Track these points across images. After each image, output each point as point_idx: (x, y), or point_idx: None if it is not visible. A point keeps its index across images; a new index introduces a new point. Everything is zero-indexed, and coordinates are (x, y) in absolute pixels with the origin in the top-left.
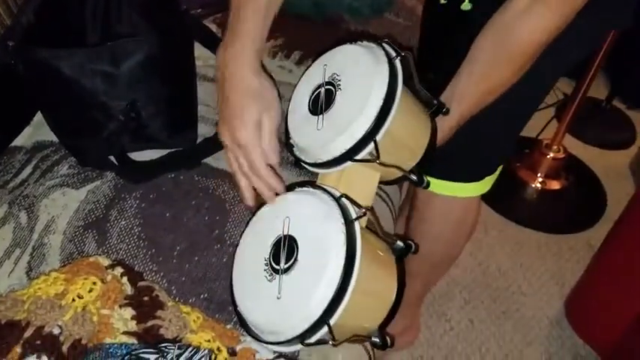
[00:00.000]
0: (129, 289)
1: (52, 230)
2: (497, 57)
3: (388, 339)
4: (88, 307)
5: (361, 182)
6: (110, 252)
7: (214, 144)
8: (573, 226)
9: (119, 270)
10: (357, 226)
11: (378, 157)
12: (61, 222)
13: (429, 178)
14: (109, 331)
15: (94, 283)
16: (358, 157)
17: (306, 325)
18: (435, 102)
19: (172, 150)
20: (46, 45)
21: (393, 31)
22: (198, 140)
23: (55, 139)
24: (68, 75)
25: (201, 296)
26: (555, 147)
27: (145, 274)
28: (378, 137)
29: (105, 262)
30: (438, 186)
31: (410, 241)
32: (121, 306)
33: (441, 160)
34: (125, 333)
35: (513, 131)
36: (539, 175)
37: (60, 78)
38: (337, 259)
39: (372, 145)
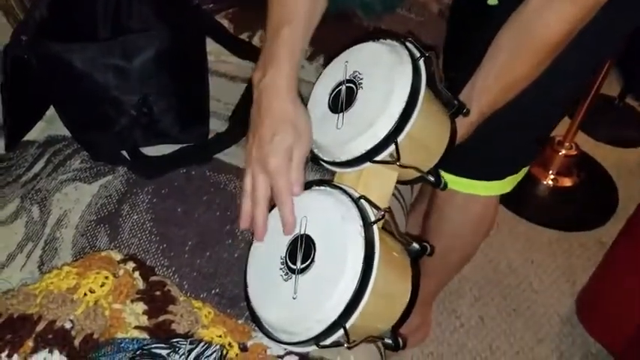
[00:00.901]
0: (141, 284)
1: (64, 224)
2: (518, 51)
3: (400, 340)
4: (100, 302)
5: (379, 182)
6: (122, 247)
7: (226, 139)
8: (585, 223)
9: (131, 265)
10: (375, 229)
11: (398, 158)
12: (74, 216)
13: (451, 176)
14: (121, 326)
15: (106, 278)
16: (378, 158)
17: (321, 328)
18: (456, 102)
19: (184, 145)
20: (59, 39)
21: (406, 27)
22: (210, 135)
23: (67, 133)
24: (80, 69)
25: (213, 291)
26: (567, 144)
27: (156, 269)
28: (400, 139)
29: (117, 256)
30: (459, 183)
31: (426, 243)
32: (132, 301)
33: (463, 158)
34: (137, 328)
35: (537, 131)
36: (550, 172)
37: (72, 72)
38: (355, 263)
39: (392, 147)
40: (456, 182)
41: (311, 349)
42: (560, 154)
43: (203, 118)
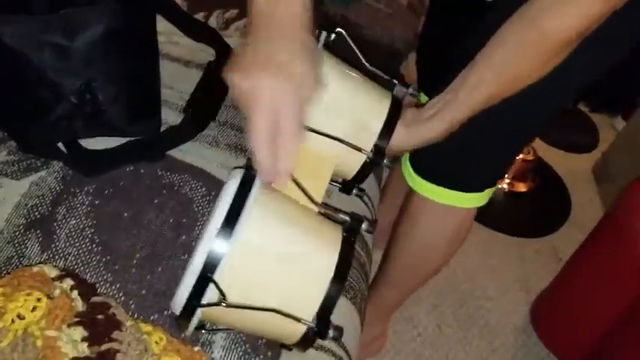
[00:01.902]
0: (80, 305)
1: None
2: (524, 46)
3: (332, 329)
4: (30, 329)
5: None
6: (57, 257)
7: (181, 134)
8: (538, 229)
9: (68, 282)
10: (258, 182)
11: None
12: None
13: (429, 184)
14: (56, 357)
15: (39, 300)
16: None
17: (192, 281)
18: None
19: (132, 139)
20: None
21: (374, 18)
22: (162, 129)
23: None
24: (10, 46)
25: (165, 312)
26: (526, 149)
27: (98, 286)
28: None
29: (52, 272)
30: (438, 193)
31: (360, 215)
32: (70, 325)
33: (443, 167)
34: (75, 359)
35: (525, 138)
36: (506, 176)
37: (1, 49)
38: (221, 210)
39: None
40: (434, 192)
41: (196, 319)
42: (517, 158)
43: (154, 108)
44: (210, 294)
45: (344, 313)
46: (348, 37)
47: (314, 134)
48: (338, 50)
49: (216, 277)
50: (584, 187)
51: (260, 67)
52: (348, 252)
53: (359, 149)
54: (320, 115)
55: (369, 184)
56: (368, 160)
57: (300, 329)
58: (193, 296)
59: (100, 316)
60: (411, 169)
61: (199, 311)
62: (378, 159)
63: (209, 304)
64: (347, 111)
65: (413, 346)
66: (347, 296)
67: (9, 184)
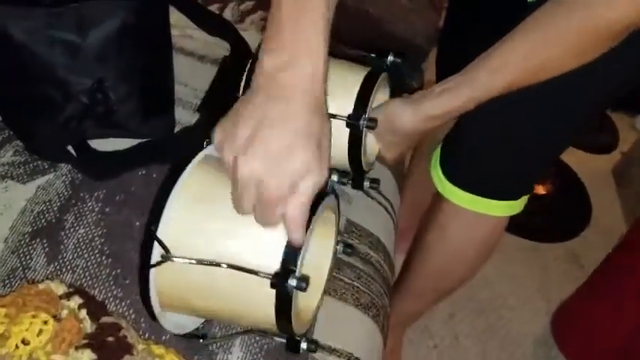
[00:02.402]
0: (88, 326)
1: None
2: (567, 31)
3: (299, 280)
4: (35, 355)
5: None
6: (64, 269)
7: (195, 135)
8: (558, 234)
9: (77, 300)
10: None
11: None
12: (2, 226)
13: (462, 192)
14: None
15: (45, 323)
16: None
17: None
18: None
19: (143, 140)
20: None
21: (393, 11)
22: (176, 129)
23: None
24: (19, 41)
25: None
26: None
27: (107, 302)
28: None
29: (59, 289)
30: (470, 201)
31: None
32: (77, 348)
33: (478, 173)
34: None
35: (567, 141)
36: None
37: (8, 44)
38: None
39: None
40: (466, 199)
41: (154, 291)
42: None
43: (168, 107)
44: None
45: (366, 331)
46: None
47: None
48: None
49: (159, 233)
50: (604, 189)
51: (254, 150)
52: (315, 203)
53: (333, 116)
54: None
55: (388, 186)
56: (348, 125)
57: (268, 292)
58: (142, 259)
59: (109, 339)
60: (441, 175)
61: (153, 278)
62: (357, 122)
63: (158, 263)
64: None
65: (429, 358)
66: (369, 314)
67: (14, 187)
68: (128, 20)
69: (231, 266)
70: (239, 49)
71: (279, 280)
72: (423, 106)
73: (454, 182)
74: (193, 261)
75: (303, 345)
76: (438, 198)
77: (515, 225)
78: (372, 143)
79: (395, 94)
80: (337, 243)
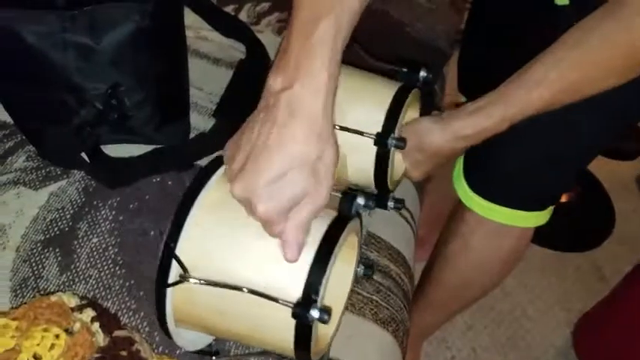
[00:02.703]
0: (101, 339)
1: (0, 245)
2: (614, 47)
3: (320, 311)
4: None
5: None
6: (77, 280)
7: (212, 141)
8: (579, 243)
9: (89, 313)
10: None
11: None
12: (14, 234)
13: (486, 202)
14: None
15: (57, 337)
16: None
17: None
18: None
19: (158, 146)
20: (5, 4)
21: (414, 13)
22: (191, 135)
23: (9, 119)
24: (32, 45)
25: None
26: None
27: (120, 314)
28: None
29: (71, 301)
30: (496, 212)
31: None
32: None
33: (504, 183)
34: None
35: (598, 149)
36: None
37: (21, 47)
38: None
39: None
40: (491, 210)
41: (168, 305)
42: None
43: (183, 112)
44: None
45: (385, 347)
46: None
47: None
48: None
49: (178, 250)
50: (628, 197)
51: (244, 176)
52: (339, 229)
53: (360, 133)
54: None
55: (408, 195)
56: (376, 144)
57: (287, 320)
58: (160, 277)
59: (122, 353)
60: (466, 186)
61: (169, 296)
62: (385, 140)
63: (175, 283)
64: (349, 109)
65: None
66: (388, 329)
67: (27, 194)
68: (142, 23)
69: (251, 291)
70: (255, 52)
71: (300, 311)
72: (453, 126)
73: (479, 193)
74: (212, 283)
75: None
76: (460, 208)
77: (535, 233)
78: (398, 161)
79: (425, 110)
80: (357, 265)
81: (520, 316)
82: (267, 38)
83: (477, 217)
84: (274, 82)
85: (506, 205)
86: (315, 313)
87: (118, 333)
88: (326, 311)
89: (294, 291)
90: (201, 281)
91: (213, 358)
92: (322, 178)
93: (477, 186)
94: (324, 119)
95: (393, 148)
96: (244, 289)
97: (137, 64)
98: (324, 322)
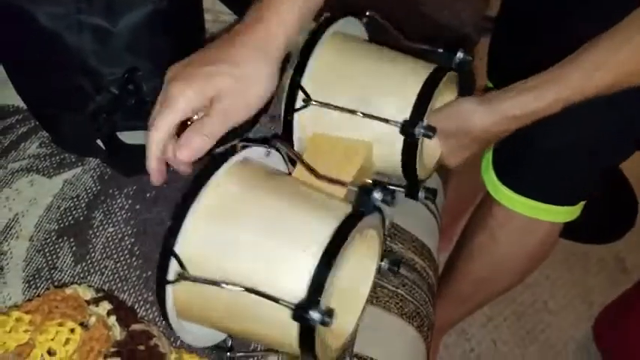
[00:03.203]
0: (118, 333)
1: (13, 234)
2: None
3: (324, 314)
4: None
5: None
6: (92, 271)
7: (230, 130)
8: (602, 235)
9: (105, 306)
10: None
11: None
12: (28, 223)
13: (515, 195)
14: None
15: (72, 331)
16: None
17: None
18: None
19: None
20: None
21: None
22: None
23: (22, 104)
24: (46, 26)
25: None
26: None
27: (137, 307)
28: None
29: (87, 293)
30: (525, 205)
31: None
32: (106, 356)
33: (536, 176)
34: None
35: (633, 142)
36: None
37: (35, 30)
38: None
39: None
40: (521, 204)
41: (170, 301)
42: None
43: None
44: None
45: (410, 342)
46: (379, 19)
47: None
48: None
49: (178, 248)
50: None
51: (185, 73)
52: (349, 227)
53: (386, 120)
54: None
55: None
56: (402, 132)
57: (288, 322)
58: (159, 274)
59: (140, 347)
60: (495, 178)
61: (170, 293)
62: (412, 129)
63: (174, 281)
64: (375, 93)
65: None
66: (413, 324)
67: (40, 182)
68: (160, 5)
69: (249, 290)
70: None
71: (301, 312)
72: (500, 106)
73: (509, 185)
74: (209, 281)
75: None
76: (488, 200)
77: None
78: (431, 149)
79: (463, 95)
80: (382, 259)
81: (541, 309)
82: None
83: (505, 210)
84: (244, 21)
85: (537, 198)
86: (315, 316)
87: (135, 327)
88: (329, 313)
89: (298, 291)
90: (199, 279)
91: (228, 353)
92: (246, 89)
93: (507, 178)
94: (276, 55)
95: (421, 138)
96: (241, 288)
97: (154, 47)
98: (326, 324)
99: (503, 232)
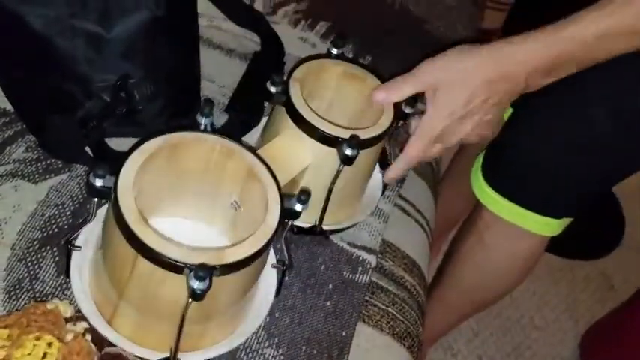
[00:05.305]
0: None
1: None
2: None
3: None
4: None
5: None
6: None
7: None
8: (588, 251)
9: (83, 325)
10: None
11: None
12: (10, 230)
13: (499, 198)
14: None
15: (49, 345)
16: None
17: None
18: None
19: None
20: None
21: (434, 9)
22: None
23: (9, 106)
24: (38, 31)
25: None
26: None
27: None
28: None
29: (67, 311)
30: (512, 212)
31: None
32: None
33: (525, 182)
34: None
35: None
36: None
37: (27, 33)
38: None
39: None
40: (508, 210)
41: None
42: None
43: (194, 106)
44: None
45: None
46: None
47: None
48: None
49: None
50: (638, 205)
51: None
52: None
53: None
54: None
55: (424, 200)
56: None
57: None
58: None
59: None
60: (483, 182)
61: None
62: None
63: None
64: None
65: None
66: (404, 344)
67: (25, 188)
68: (157, 12)
69: None
70: (270, 44)
71: None
72: (503, 49)
73: (495, 188)
74: None
75: None
76: (477, 207)
77: None
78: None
79: None
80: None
81: (527, 325)
82: (283, 30)
83: (492, 216)
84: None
85: (523, 205)
86: None
87: (108, 349)
88: None
89: None
90: None
91: None
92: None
93: (493, 180)
94: None
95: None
96: None
97: (149, 55)
98: None
99: (491, 235)
